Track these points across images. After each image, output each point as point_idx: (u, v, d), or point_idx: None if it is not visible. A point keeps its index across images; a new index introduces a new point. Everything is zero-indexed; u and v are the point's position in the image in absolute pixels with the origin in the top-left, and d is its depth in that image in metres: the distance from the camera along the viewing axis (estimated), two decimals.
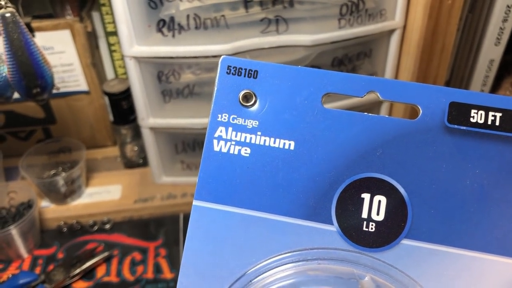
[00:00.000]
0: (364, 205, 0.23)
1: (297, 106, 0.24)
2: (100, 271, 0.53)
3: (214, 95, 0.24)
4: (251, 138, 0.24)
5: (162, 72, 0.51)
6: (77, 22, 0.55)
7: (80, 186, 0.59)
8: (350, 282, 0.22)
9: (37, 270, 0.53)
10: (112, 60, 0.61)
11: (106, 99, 0.58)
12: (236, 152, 0.24)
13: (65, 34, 0.56)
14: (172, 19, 0.46)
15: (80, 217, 0.58)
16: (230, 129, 0.24)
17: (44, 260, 0.54)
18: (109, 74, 0.63)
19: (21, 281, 0.50)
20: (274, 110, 0.24)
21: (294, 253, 0.23)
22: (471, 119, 0.23)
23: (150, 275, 0.52)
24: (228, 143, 0.24)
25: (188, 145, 0.57)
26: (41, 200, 0.59)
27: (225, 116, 0.24)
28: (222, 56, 0.25)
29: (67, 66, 0.58)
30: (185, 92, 0.52)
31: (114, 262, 0.54)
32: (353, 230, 0.23)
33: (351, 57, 0.53)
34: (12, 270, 0.53)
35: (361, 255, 0.23)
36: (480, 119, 0.23)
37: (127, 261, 0.54)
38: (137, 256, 0.54)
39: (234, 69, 0.24)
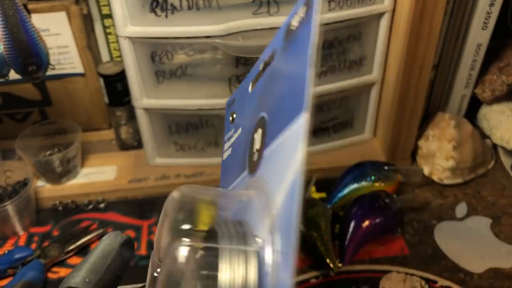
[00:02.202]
0: (256, 140, 0.28)
1: (243, 102, 0.34)
2: None
3: (225, 126, 0.36)
4: (231, 139, 0.35)
5: (156, 52, 0.52)
6: (73, 4, 0.56)
7: (76, 166, 0.61)
8: None
9: (33, 246, 0.54)
10: (107, 43, 0.62)
11: (101, 81, 0.59)
12: None
13: (61, 16, 0.57)
14: None
15: (75, 196, 0.59)
16: (226, 141, 0.36)
17: (40, 237, 0.55)
18: (104, 57, 0.64)
19: (17, 256, 0.51)
20: (238, 114, 0.35)
21: None
22: (291, 27, 0.25)
23: (143, 251, 0.53)
24: None
25: (182, 126, 0.59)
26: (37, 180, 0.60)
27: (227, 135, 0.36)
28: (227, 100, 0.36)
29: (63, 48, 0.59)
30: (178, 73, 0.53)
31: None
32: (251, 164, 0.27)
33: (341, 40, 0.54)
34: (7, 246, 0.55)
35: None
36: (295, 22, 0.25)
37: None
38: (131, 233, 0.55)
39: (228, 103, 0.36)
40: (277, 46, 0.27)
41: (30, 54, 0.45)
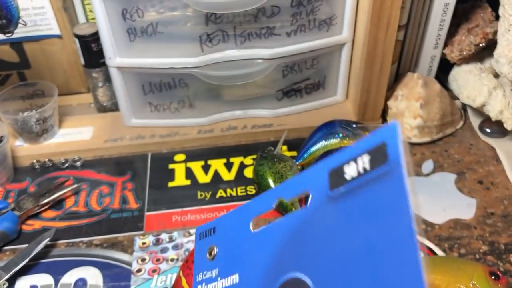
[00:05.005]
0: None
1: (235, 239, 0.29)
2: (69, 203, 0.55)
3: (194, 260, 0.31)
4: (215, 284, 0.29)
5: (126, 9, 0.53)
6: None
7: (53, 126, 0.62)
8: None
9: (9, 201, 0.56)
10: (83, 5, 0.63)
11: (77, 41, 0.60)
12: None
13: None
14: None
15: (52, 155, 0.61)
16: (203, 284, 0.30)
17: (16, 193, 0.57)
18: (81, 19, 0.65)
19: None
20: (224, 252, 0.29)
21: None
22: (346, 176, 0.22)
23: (116, 205, 0.55)
24: None
25: (155, 86, 0.60)
26: (15, 140, 0.62)
27: (201, 275, 0.30)
28: (196, 228, 0.32)
29: (38, 9, 0.60)
30: (149, 31, 0.54)
31: (83, 194, 0.56)
32: None
33: None
34: None
35: None
36: (353, 171, 0.22)
37: (95, 194, 0.56)
38: (105, 189, 0.57)
39: (203, 233, 0.32)
40: (314, 191, 0.24)
41: None
